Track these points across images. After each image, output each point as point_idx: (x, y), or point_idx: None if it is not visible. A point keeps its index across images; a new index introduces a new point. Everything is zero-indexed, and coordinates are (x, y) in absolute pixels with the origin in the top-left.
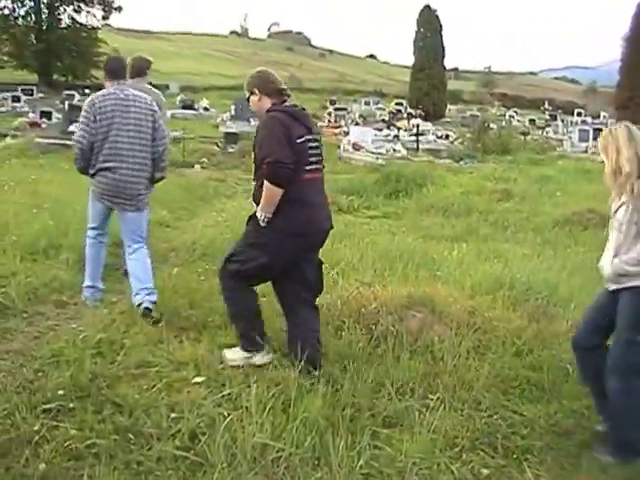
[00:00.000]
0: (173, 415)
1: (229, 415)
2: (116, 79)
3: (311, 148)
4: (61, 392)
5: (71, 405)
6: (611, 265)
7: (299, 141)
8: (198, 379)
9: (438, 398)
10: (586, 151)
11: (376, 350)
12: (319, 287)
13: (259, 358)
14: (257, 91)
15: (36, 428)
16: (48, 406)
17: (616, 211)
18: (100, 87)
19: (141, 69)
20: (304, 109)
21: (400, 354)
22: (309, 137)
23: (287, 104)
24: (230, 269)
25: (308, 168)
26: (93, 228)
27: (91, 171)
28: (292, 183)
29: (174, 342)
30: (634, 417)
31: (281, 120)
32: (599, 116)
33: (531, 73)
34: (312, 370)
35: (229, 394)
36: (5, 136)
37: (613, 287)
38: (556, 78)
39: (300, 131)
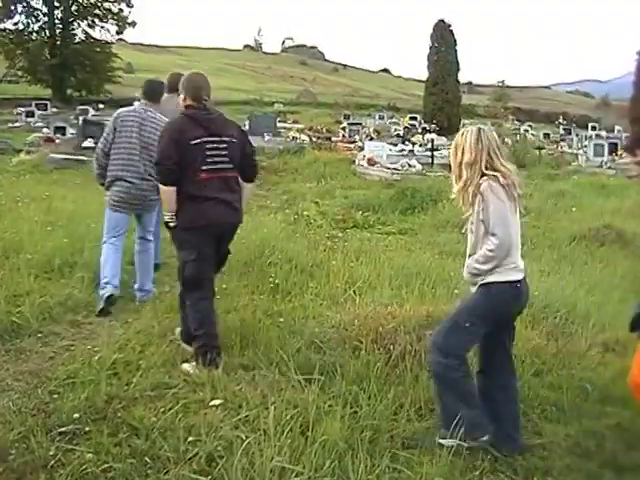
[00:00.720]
0: (190, 438)
1: (247, 438)
2: (147, 100)
3: (210, 149)
4: (76, 415)
5: (87, 428)
6: (466, 266)
7: (193, 142)
8: (215, 402)
9: None
10: (601, 166)
11: (394, 370)
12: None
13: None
14: (183, 91)
15: (51, 452)
16: (63, 429)
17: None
18: (115, 101)
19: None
20: (210, 113)
21: (419, 374)
22: (208, 139)
23: (197, 108)
24: (182, 285)
25: (205, 168)
26: (109, 237)
27: (108, 179)
28: (188, 181)
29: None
30: (454, 394)
31: (175, 124)
32: (613, 130)
33: (544, 87)
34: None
35: (246, 416)
36: (19, 151)
37: (473, 289)
38: (569, 92)
39: (196, 133)
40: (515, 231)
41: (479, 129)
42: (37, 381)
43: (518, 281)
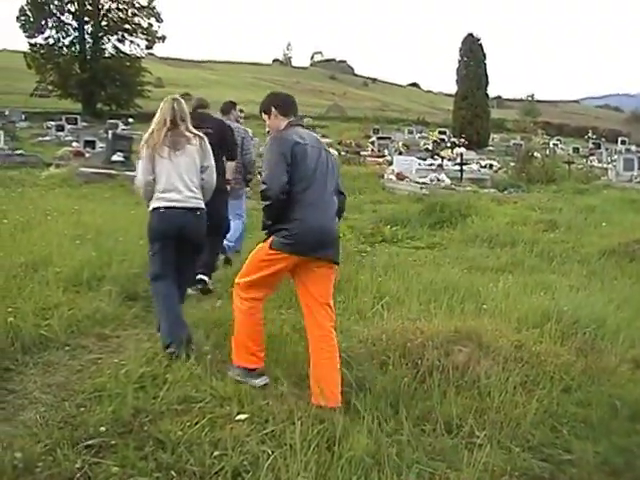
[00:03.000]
0: (216, 452)
1: (273, 453)
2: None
3: None
4: (103, 428)
5: (113, 441)
6: None
7: None
8: (242, 416)
9: (485, 435)
10: (631, 180)
11: (422, 385)
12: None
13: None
14: None
15: (78, 465)
16: (90, 442)
17: None
18: (144, 115)
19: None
20: (196, 114)
21: (446, 390)
22: None
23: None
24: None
25: None
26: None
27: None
28: None
29: (217, 376)
30: (160, 312)
31: None
32: None
33: (574, 101)
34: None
35: (273, 431)
36: (49, 165)
37: None
38: (599, 106)
39: None
40: (163, 174)
41: (164, 101)
42: (64, 394)
43: (159, 207)
